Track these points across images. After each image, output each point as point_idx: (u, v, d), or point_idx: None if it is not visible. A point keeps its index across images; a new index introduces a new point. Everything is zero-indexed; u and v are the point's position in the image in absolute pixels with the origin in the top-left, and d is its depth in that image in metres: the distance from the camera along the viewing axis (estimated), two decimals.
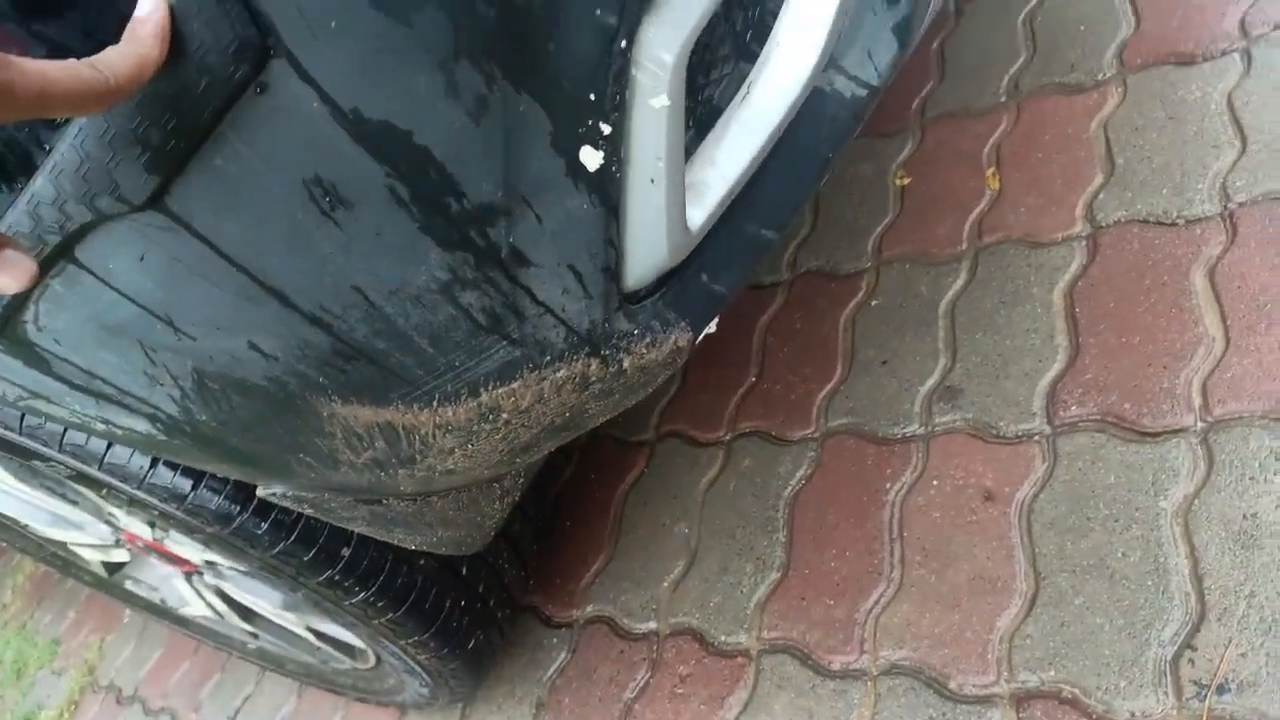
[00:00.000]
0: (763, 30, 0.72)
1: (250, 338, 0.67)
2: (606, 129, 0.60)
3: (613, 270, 0.67)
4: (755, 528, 1.35)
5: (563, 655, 1.45)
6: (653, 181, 0.64)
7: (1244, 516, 0.97)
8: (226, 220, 0.60)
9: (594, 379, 0.75)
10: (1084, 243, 1.31)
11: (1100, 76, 1.48)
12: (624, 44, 0.57)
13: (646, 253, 0.68)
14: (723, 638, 1.28)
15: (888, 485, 1.25)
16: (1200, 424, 1.05)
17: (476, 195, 0.61)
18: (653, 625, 1.37)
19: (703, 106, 0.71)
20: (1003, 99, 1.58)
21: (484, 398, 0.74)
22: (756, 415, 1.47)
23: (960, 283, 1.39)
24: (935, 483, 1.21)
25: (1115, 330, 1.19)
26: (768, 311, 1.58)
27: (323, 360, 0.69)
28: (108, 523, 1.29)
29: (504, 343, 0.70)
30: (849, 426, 1.35)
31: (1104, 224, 1.31)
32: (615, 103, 0.59)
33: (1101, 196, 1.34)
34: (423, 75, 0.56)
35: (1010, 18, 1.70)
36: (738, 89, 0.71)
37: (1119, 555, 1.03)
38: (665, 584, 1.39)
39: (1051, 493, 1.12)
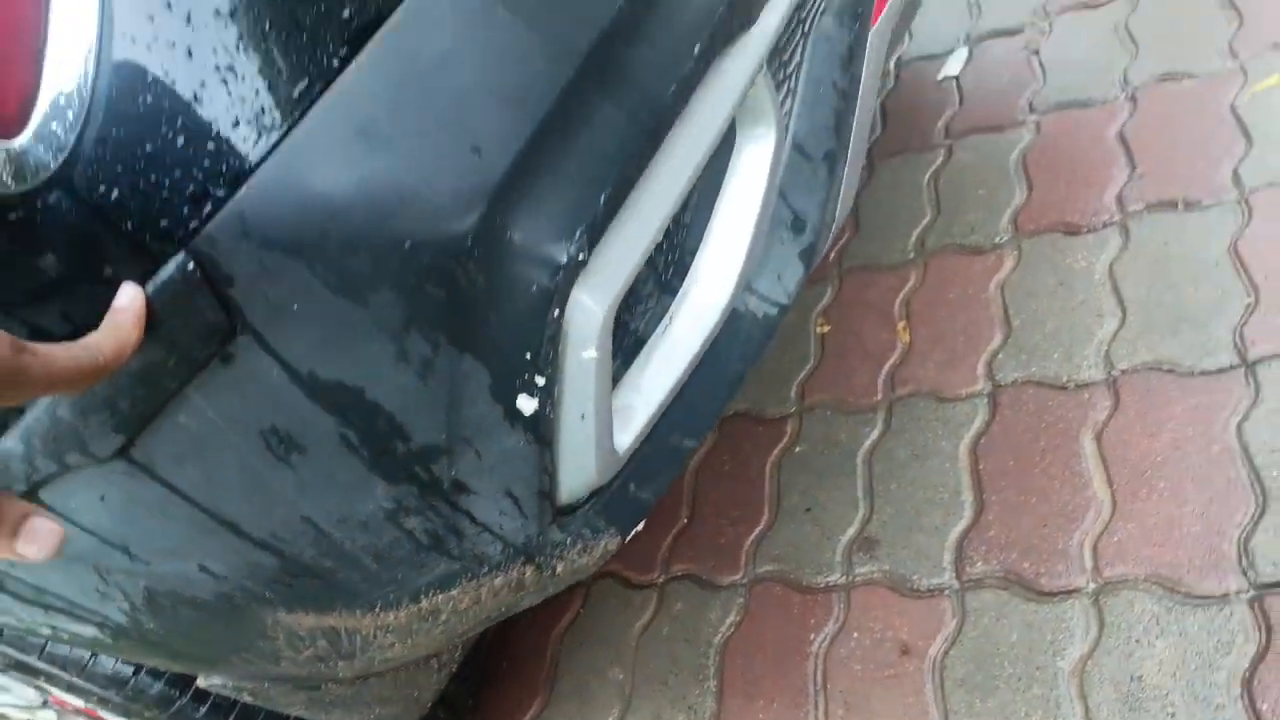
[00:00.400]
0: (682, 267, 0.81)
1: (201, 561, 0.71)
2: (540, 380, 0.66)
3: (547, 493, 0.73)
4: (687, 675, 1.39)
5: None
6: (583, 418, 0.71)
7: (1131, 679, 1.05)
8: (186, 466, 0.65)
9: (529, 583, 0.80)
10: (986, 400, 1.41)
11: (997, 240, 1.62)
12: (556, 313, 0.64)
13: (578, 475, 0.74)
14: None
15: (812, 636, 1.31)
16: (1092, 585, 1.14)
17: (422, 439, 0.67)
18: None
19: (629, 338, 0.79)
20: (911, 255, 1.71)
21: (424, 603, 0.78)
22: (688, 558, 1.53)
23: (876, 433, 1.48)
24: (856, 635, 1.28)
25: (1015, 488, 1.29)
26: (698, 454, 1.66)
27: (270, 578, 0.73)
28: (36, 687, 1.27)
29: (445, 558, 0.75)
30: (775, 574, 1.41)
31: (1003, 383, 1.42)
32: (548, 359, 0.66)
33: (1000, 356, 1.45)
34: (375, 345, 0.62)
35: (918, 176, 1.85)
36: (660, 320, 0.79)
37: (1022, 715, 1.10)
38: None
39: (961, 649, 1.19)
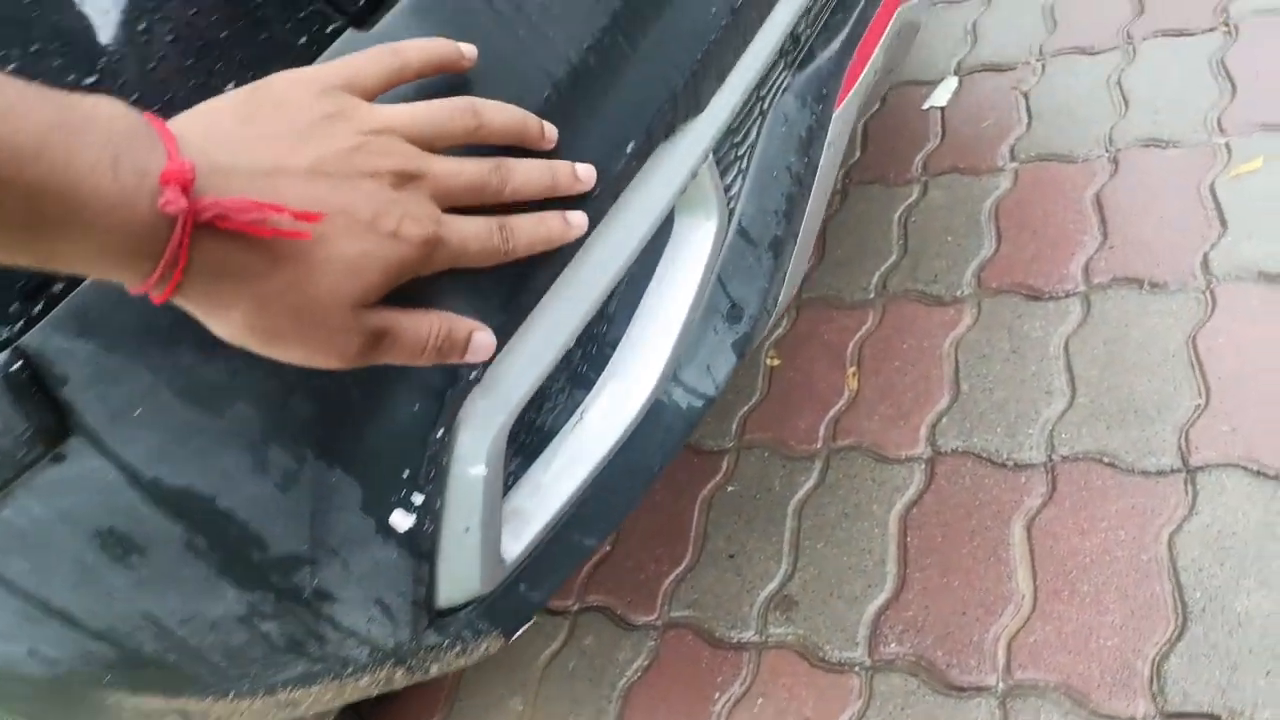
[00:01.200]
0: (600, 359, 0.74)
1: (32, 646, 0.65)
2: (419, 498, 0.60)
3: (421, 602, 0.67)
4: (587, 717, 1.35)
5: None
6: (466, 530, 0.65)
7: None
8: (12, 557, 0.58)
9: (399, 680, 0.75)
10: (924, 466, 1.37)
11: (959, 293, 1.57)
12: (440, 433, 0.58)
13: (459, 585, 0.69)
14: None
15: (716, 695, 1.28)
16: (1002, 685, 1.12)
17: (280, 548, 0.61)
18: None
19: (532, 435, 0.73)
20: (871, 295, 1.66)
21: (281, 695, 0.73)
22: (605, 589, 1.49)
23: (811, 483, 1.44)
24: (760, 700, 1.25)
25: (939, 568, 1.26)
26: None
27: (109, 664, 0.67)
28: None
29: (305, 659, 0.69)
30: (690, 620, 1.38)
31: (943, 450, 1.38)
32: (429, 477, 0.59)
33: (945, 421, 1.41)
34: (230, 455, 0.55)
35: (889, 211, 1.79)
36: (570, 415, 0.73)
37: None
38: None
39: None
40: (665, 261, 0.73)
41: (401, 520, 0.61)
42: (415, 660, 0.72)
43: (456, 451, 0.60)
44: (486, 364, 0.58)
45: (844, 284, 1.70)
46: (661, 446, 0.79)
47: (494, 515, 0.65)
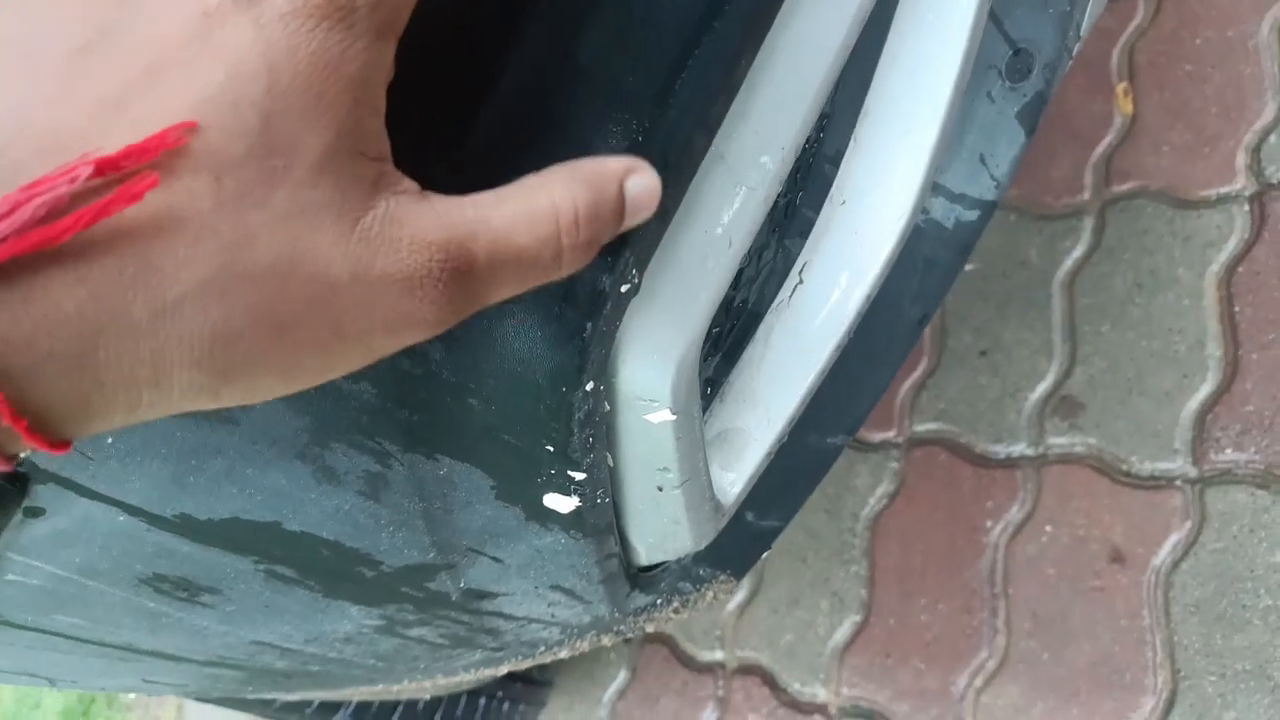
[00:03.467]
0: (818, 184, 0.47)
1: (143, 677, 0.51)
2: (578, 474, 0.39)
3: (615, 574, 0.48)
4: (829, 554, 1.18)
5: None
6: (660, 489, 0.43)
7: None
8: (55, 614, 0.43)
9: (608, 642, 0.57)
10: (1246, 207, 1.02)
11: None
12: (590, 386, 0.35)
13: (662, 545, 0.48)
14: (796, 686, 1.15)
15: (988, 522, 1.06)
16: None
17: (397, 560, 0.41)
18: (719, 656, 1.24)
19: (729, 317, 0.48)
20: None
21: (467, 675, 0.57)
22: None
23: (1081, 249, 1.12)
24: (1048, 529, 1.02)
25: None
26: None
27: (242, 681, 0.53)
28: None
29: (480, 649, 0.52)
30: (940, 435, 1.14)
31: (1274, 180, 1.01)
32: (586, 444, 0.37)
33: (1273, 139, 1.03)
34: (276, 469, 0.35)
35: None
36: (784, 280, 0.48)
37: None
38: (729, 611, 1.25)
39: (1197, 563, 0.91)
40: (903, 8, 0.43)
41: (561, 503, 0.40)
42: (624, 625, 0.54)
43: (621, 397, 0.37)
44: (641, 264, 0.33)
45: None
46: (923, 292, 0.53)
47: (695, 462, 0.42)
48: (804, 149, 0.48)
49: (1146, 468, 0.97)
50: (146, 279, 0.20)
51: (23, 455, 0.22)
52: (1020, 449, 1.07)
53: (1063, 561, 0.99)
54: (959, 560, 1.07)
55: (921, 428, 1.16)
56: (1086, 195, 1.14)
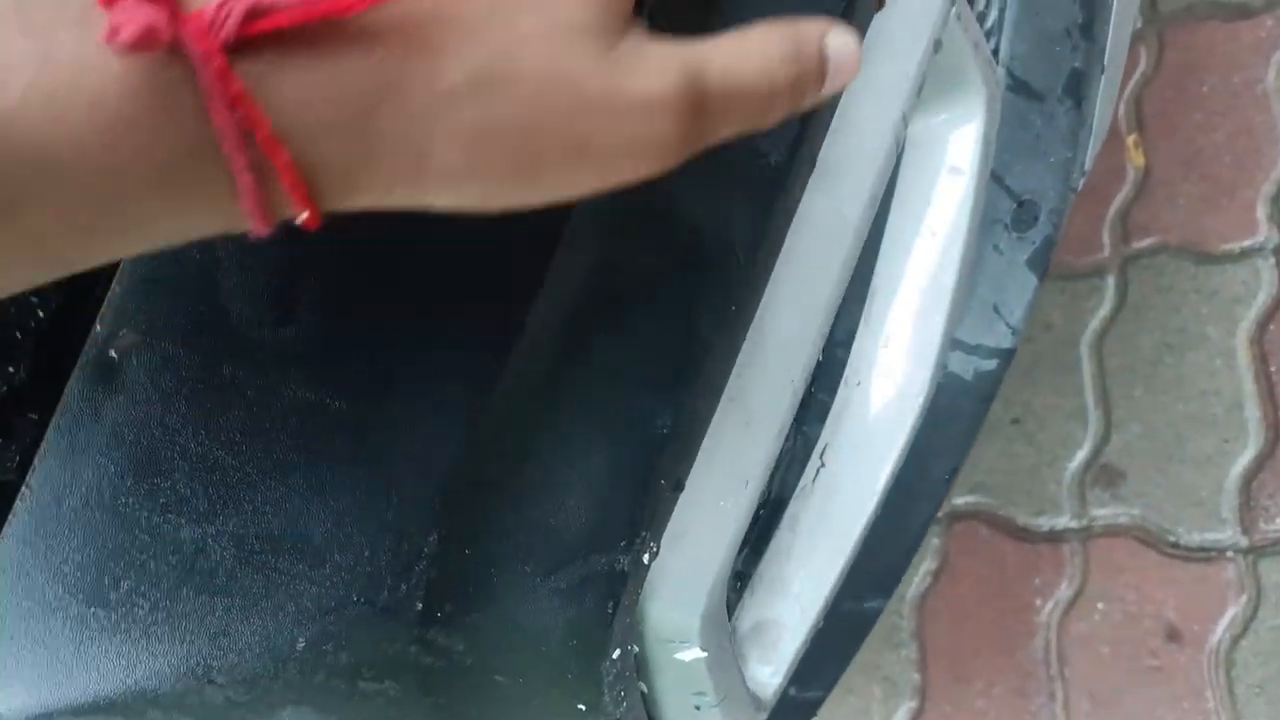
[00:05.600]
0: (832, 370, 0.47)
1: None
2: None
3: None
4: (879, 638, 1.16)
5: None
6: (698, 709, 0.43)
7: None
8: None
9: None
10: (1272, 260, 1.00)
11: None
12: (616, 654, 0.34)
13: None
14: None
15: (1037, 601, 1.04)
16: None
17: None
18: None
19: (755, 511, 0.48)
20: (1138, 24, 1.22)
21: None
22: None
23: (1106, 309, 1.11)
24: (1100, 606, 1.00)
25: None
26: None
27: None
28: None
29: None
30: (979, 509, 1.12)
31: None
32: (619, 698, 0.37)
33: None
34: None
35: None
36: (804, 464, 0.47)
37: None
38: None
39: (1257, 640, 0.89)
40: (903, 191, 0.43)
41: None
42: None
43: (652, 638, 0.37)
44: (658, 533, 0.33)
45: None
46: (948, 446, 0.52)
47: (730, 681, 0.42)
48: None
49: (1195, 538, 0.95)
50: (424, 62, 0.22)
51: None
52: (1064, 521, 1.05)
53: (1117, 640, 0.97)
54: (1011, 640, 1.05)
55: (960, 501, 1.14)
56: (1106, 253, 1.13)
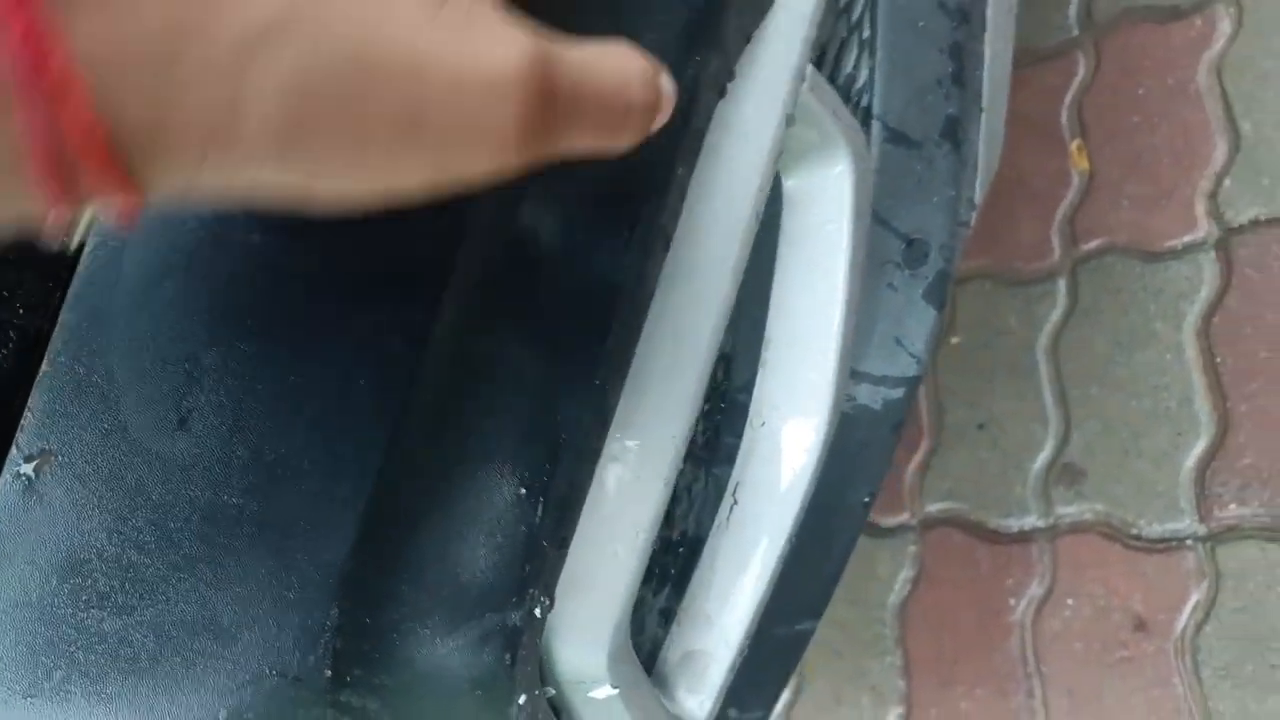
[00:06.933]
0: (734, 412, 0.50)
1: None
2: None
3: None
4: (862, 647, 1.19)
5: None
6: None
7: None
8: None
9: None
10: (1213, 254, 1.03)
11: None
12: (522, 700, 0.37)
13: None
14: None
15: (1011, 601, 1.06)
16: None
17: None
18: None
19: (669, 551, 0.51)
20: (1074, 31, 1.25)
21: None
22: None
23: (1059, 312, 1.14)
24: (1070, 601, 1.02)
25: (1274, 391, 0.94)
26: None
27: None
28: None
29: None
30: (951, 514, 1.15)
31: (1235, 224, 1.02)
32: None
33: (1228, 183, 1.04)
34: None
35: None
36: (717, 504, 0.50)
37: None
38: (776, 714, 1.26)
39: (1220, 625, 0.91)
40: (785, 245, 0.46)
41: None
42: None
43: (563, 681, 0.40)
44: (549, 588, 0.36)
45: (1032, 26, 1.30)
46: (864, 472, 0.55)
47: (652, 716, 0.45)
48: (711, 390, 0.51)
49: (1156, 529, 0.98)
50: (229, 4, 0.19)
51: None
52: (1031, 521, 1.08)
53: (1089, 634, 0.99)
54: (988, 642, 1.07)
55: (933, 508, 1.17)
56: (1056, 257, 1.16)
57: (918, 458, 1.20)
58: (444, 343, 0.33)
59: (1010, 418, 1.13)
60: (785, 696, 1.25)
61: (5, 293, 0.32)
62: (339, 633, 0.33)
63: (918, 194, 0.51)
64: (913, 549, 1.17)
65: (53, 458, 0.31)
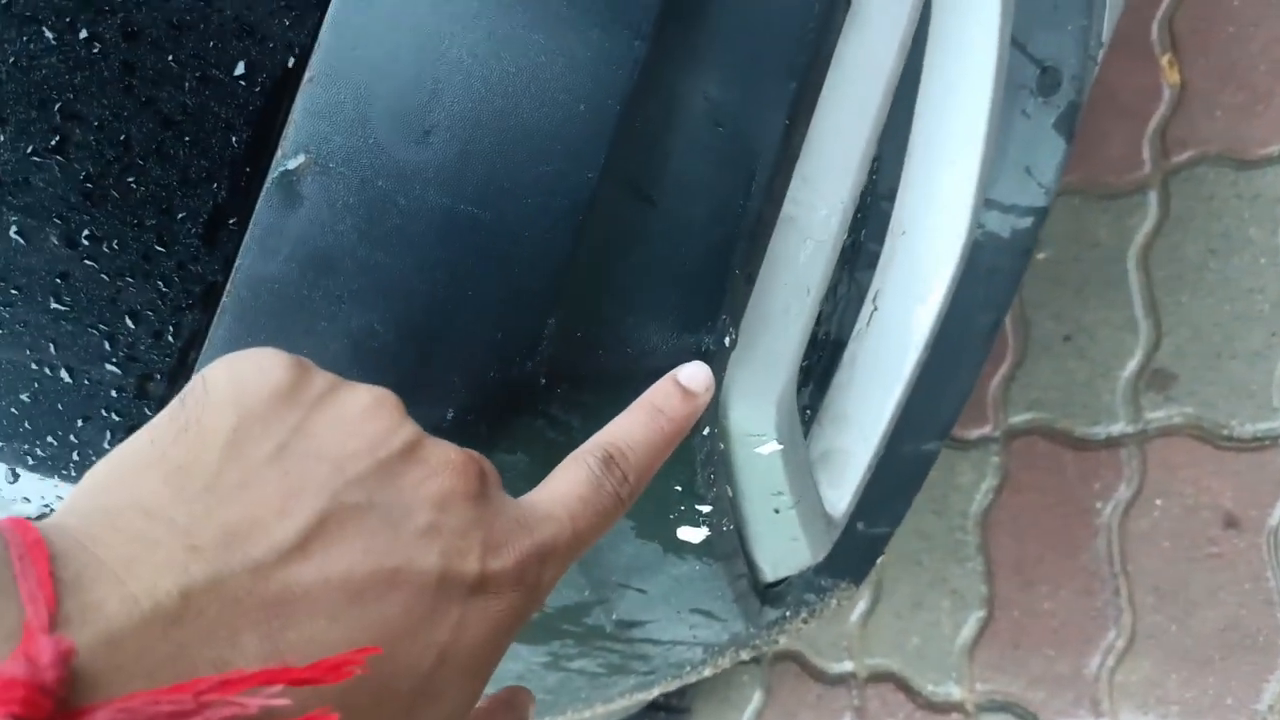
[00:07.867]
0: (877, 221, 0.53)
1: None
2: (705, 507, 0.44)
3: (746, 593, 0.53)
4: (943, 554, 1.20)
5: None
6: (777, 512, 0.48)
7: None
8: None
9: (745, 656, 0.62)
10: None
11: None
12: (705, 431, 0.41)
13: (784, 561, 0.53)
14: (930, 688, 1.17)
15: (1098, 504, 1.08)
16: None
17: (556, 601, 0.48)
18: (849, 667, 1.27)
19: (816, 350, 0.54)
20: None
21: (620, 701, 0.63)
22: None
23: (1150, 223, 1.14)
24: (1159, 502, 1.03)
25: None
26: None
27: None
28: None
29: (634, 675, 0.58)
30: (1036, 424, 1.16)
31: None
32: (709, 480, 0.43)
33: None
34: None
35: None
36: (858, 308, 0.53)
37: None
38: (853, 621, 1.28)
39: None
40: (932, 51, 0.49)
41: (692, 534, 0.46)
42: (759, 639, 0.59)
43: (734, 435, 0.43)
44: (737, 320, 0.39)
45: None
46: (992, 297, 0.57)
47: (804, 484, 0.48)
48: (861, 193, 0.53)
49: (1248, 429, 0.98)
50: None
51: None
52: (1120, 427, 1.09)
53: (1177, 533, 1.00)
54: (1074, 544, 1.08)
55: (1017, 419, 1.18)
56: (1147, 169, 1.16)
57: (1002, 370, 1.21)
58: (650, 75, 0.36)
59: (1099, 328, 1.14)
60: (862, 605, 1.27)
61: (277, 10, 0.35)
62: (554, 342, 0.37)
63: (1053, 20, 0.53)
64: (996, 459, 1.19)
65: (313, 162, 0.35)
